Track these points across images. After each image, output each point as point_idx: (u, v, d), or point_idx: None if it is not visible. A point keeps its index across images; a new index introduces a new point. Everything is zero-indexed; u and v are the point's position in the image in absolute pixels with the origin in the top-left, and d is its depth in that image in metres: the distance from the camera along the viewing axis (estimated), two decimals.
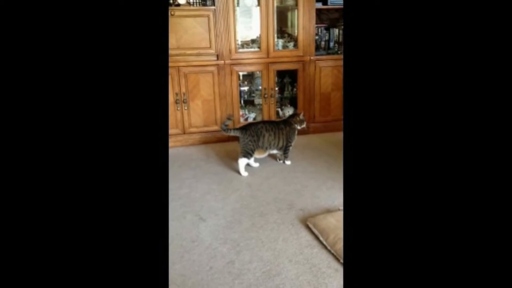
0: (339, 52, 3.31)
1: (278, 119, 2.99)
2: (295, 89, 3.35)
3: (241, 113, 3.26)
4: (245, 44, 3.20)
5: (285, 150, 2.59)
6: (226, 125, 2.43)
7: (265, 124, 2.51)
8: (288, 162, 2.64)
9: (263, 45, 3.06)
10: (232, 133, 2.47)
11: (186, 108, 3.02)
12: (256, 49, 3.11)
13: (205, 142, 3.15)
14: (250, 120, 3.28)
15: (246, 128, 2.46)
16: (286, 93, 3.43)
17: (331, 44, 3.35)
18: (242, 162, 2.46)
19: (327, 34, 3.33)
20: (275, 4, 2.99)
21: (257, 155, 2.52)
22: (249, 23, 3.17)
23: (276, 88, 3.27)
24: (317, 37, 3.24)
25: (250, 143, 2.43)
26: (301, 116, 2.60)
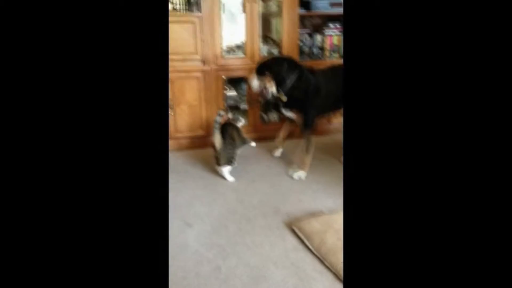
0: (321, 57, 3.37)
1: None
2: None
3: None
4: (230, 50, 3.23)
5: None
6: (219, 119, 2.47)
7: (226, 126, 2.56)
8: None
9: (248, 51, 3.09)
10: (217, 135, 2.45)
11: (172, 113, 3.02)
12: (242, 55, 3.14)
13: (191, 147, 3.15)
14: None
15: (222, 135, 2.47)
16: (271, 98, 3.46)
17: (315, 50, 3.40)
18: (227, 169, 2.48)
19: (311, 40, 3.39)
20: (260, 11, 3.03)
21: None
22: (235, 29, 3.20)
23: None
24: (301, 43, 3.30)
25: (230, 148, 2.46)
26: (229, 115, 2.73)
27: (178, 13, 2.88)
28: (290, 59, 2.56)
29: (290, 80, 2.41)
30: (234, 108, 3.46)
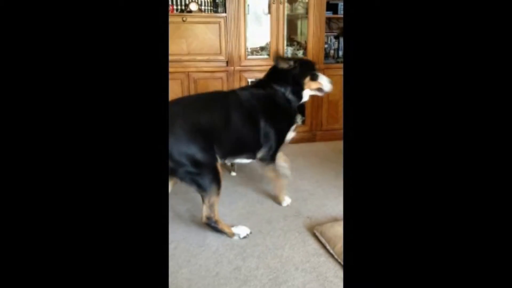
0: None
1: None
2: None
3: None
4: (254, 51, 3.23)
5: None
6: None
7: None
8: None
9: (273, 52, 3.08)
10: None
11: None
12: (266, 56, 3.14)
13: None
14: None
15: None
16: None
17: (340, 52, 3.36)
18: None
19: (337, 42, 3.35)
20: (286, 12, 3.02)
21: None
22: (259, 31, 3.20)
23: None
24: (326, 46, 3.26)
25: None
26: None
27: (204, 13, 2.91)
28: None
29: None
30: None
